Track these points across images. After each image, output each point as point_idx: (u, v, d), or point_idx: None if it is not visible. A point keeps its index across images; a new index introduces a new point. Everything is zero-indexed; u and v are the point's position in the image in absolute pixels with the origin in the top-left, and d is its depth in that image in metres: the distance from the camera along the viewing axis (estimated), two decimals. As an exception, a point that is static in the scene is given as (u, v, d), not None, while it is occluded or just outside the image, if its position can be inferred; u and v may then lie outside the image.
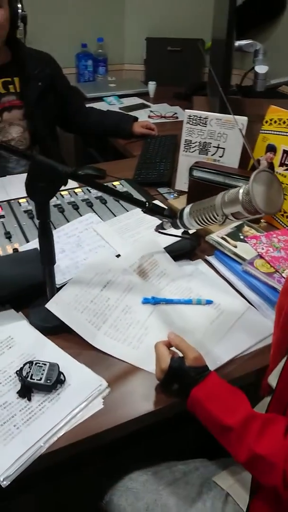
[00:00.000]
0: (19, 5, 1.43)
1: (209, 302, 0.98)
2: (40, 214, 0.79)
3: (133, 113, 1.98)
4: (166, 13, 2.43)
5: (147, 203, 0.86)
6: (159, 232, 0.95)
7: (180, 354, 0.78)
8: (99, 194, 1.31)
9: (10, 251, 1.05)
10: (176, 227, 0.88)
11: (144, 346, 0.88)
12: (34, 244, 1.05)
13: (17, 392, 0.78)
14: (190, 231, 0.90)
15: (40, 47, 1.66)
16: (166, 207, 0.88)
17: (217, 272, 1.08)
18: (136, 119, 1.84)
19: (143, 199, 1.28)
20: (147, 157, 1.60)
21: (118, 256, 1.04)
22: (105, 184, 1.35)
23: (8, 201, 1.27)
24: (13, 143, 1.61)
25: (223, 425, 0.69)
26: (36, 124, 1.61)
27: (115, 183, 1.38)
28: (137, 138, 1.79)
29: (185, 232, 0.92)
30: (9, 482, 0.67)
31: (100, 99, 2.24)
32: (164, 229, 0.94)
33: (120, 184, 1.37)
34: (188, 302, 0.98)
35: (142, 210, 0.87)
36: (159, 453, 0.93)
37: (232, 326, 0.93)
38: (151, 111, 2.08)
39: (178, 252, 1.09)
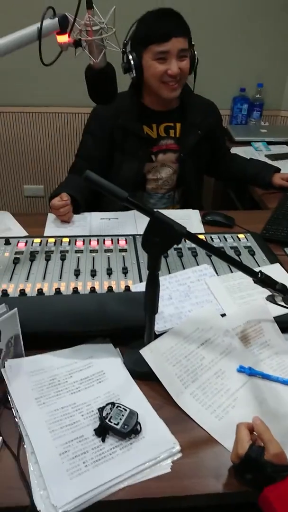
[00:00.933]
0: (196, 52, 1.51)
1: (311, 388, 0.90)
2: (151, 266, 0.82)
3: (278, 163, 1.92)
4: None
5: (259, 273, 0.83)
6: (270, 302, 0.91)
7: (262, 443, 0.73)
8: (221, 244, 1.30)
9: (122, 287, 1.10)
10: None
11: (228, 418, 0.84)
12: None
13: (94, 430, 0.81)
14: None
15: (199, 87, 1.72)
16: (279, 282, 0.83)
17: None
18: (278, 170, 1.79)
19: (264, 258, 1.24)
20: (282, 212, 1.54)
21: (223, 315, 1.02)
22: (231, 234, 1.35)
23: (134, 236, 1.34)
24: (160, 183, 1.70)
25: None
26: (186, 168, 1.67)
27: (240, 235, 1.35)
28: (276, 189, 1.74)
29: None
30: (65, 517, 0.69)
31: (248, 143, 2.23)
32: (276, 301, 0.89)
33: (245, 237, 1.34)
34: (287, 383, 0.91)
35: (253, 280, 0.84)
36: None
37: None
38: (298, 163, 2.00)
39: (289, 325, 1.02)
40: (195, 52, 1.50)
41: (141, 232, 1.35)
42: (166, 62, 1.44)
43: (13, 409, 0.85)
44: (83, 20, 1.11)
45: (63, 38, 1.13)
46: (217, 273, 1.15)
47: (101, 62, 1.19)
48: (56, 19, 1.09)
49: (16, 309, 0.89)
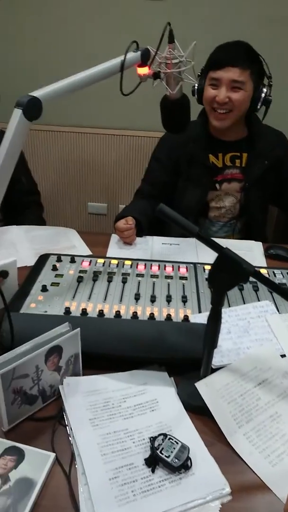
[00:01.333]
0: (265, 90, 1.48)
1: None
2: (215, 301, 0.82)
3: None
4: None
5: None
6: None
7: None
8: (284, 281, 1.27)
9: (181, 315, 1.10)
10: None
11: (282, 466, 0.81)
12: (205, 316, 1.08)
13: (145, 459, 0.81)
14: None
15: (266, 118, 1.72)
16: None
17: None
18: None
19: None
20: None
21: (283, 356, 0.99)
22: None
23: (195, 264, 1.34)
24: (223, 211, 1.70)
25: None
26: (250, 198, 1.66)
27: (304, 272, 1.32)
28: None
29: None
30: None
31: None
32: None
33: (310, 275, 1.31)
34: None
35: None
36: None
37: None
38: None
39: None
40: (264, 90, 1.47)
41: (202, 260, 1.38)
42: (218, 89, 1.46)
43: (67, 427, 0.87)
44: (163, 53, 1.15)
45: (143, 70, 1.18)
46: (278, 311, 1.13)
47: (177, 93, 1.22)
48: (139, 52, 1.14)
49: (79, 329, 0.91)
